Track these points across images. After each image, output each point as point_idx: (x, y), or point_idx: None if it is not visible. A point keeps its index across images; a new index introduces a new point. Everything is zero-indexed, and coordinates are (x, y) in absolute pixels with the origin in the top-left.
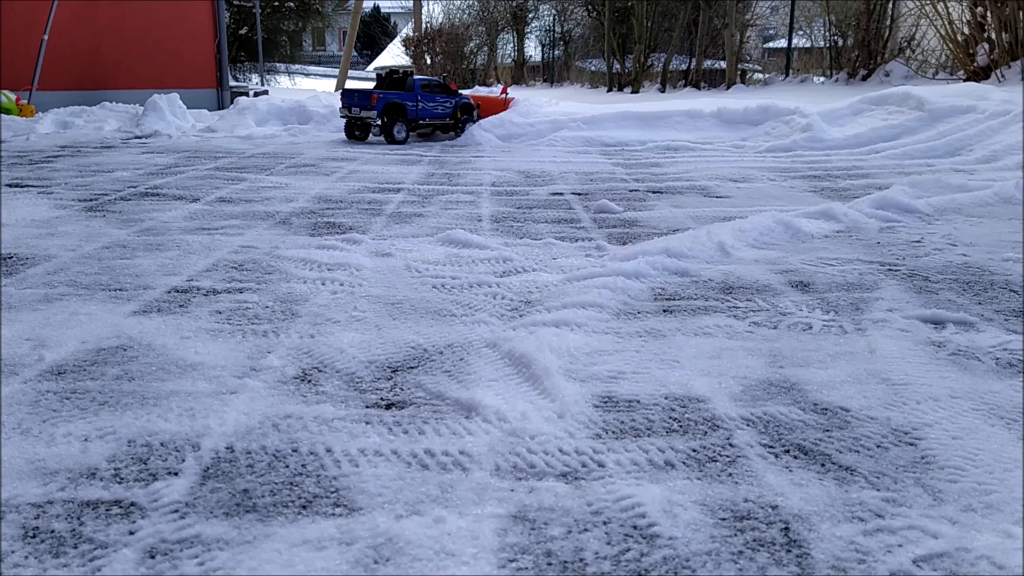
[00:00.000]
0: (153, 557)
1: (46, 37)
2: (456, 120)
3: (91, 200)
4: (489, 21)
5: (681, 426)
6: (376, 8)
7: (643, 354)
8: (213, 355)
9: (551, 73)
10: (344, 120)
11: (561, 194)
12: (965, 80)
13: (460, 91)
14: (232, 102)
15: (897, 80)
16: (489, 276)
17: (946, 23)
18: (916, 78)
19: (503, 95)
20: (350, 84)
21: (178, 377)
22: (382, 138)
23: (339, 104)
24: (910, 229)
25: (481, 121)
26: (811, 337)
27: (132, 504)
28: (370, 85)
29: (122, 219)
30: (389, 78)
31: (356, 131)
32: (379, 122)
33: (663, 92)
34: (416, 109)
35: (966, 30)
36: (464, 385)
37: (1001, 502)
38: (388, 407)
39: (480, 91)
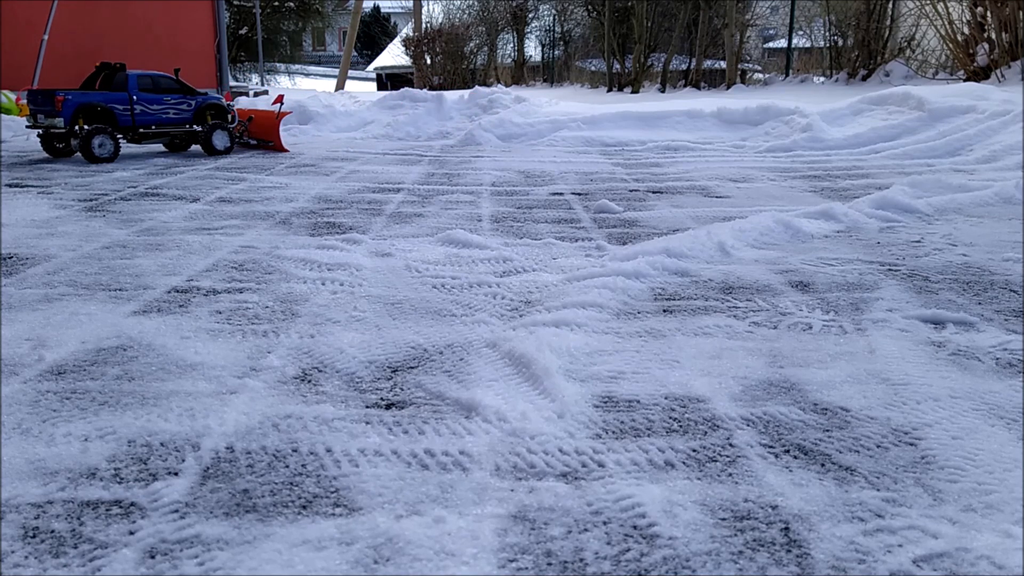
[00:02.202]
0: (153, 557)
1: (46, 37)
2: (204, 127)
3: (91, 200)
4: (489, 21)
5: (681, 426)
6: (376, 8)
7: (643, 354)
8: (213, 355)
9: (551, 73)
10: (32, 130)
11: (561, 194)
12: (965, 80)
13: (206, 92)
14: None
15: (897, 80)
16: (489, 276)
17: (946, 23)
18: (916, 78)
19: (276, 106)
20: (350, 84)
21: (178, 377)
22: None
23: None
24: (910, 229)
25: (481, 121)
26: (811, 337)
27: (132, 504)
28: (372, 85)
29: (122, 219)
30: (99, 72)
31: (57, 143)
32: (68, 132)
33: (663, 92)
34: (131, 113)
35: (966, 30)
36: (464, 385)
37: (1001, 502)
38: (388, 407)
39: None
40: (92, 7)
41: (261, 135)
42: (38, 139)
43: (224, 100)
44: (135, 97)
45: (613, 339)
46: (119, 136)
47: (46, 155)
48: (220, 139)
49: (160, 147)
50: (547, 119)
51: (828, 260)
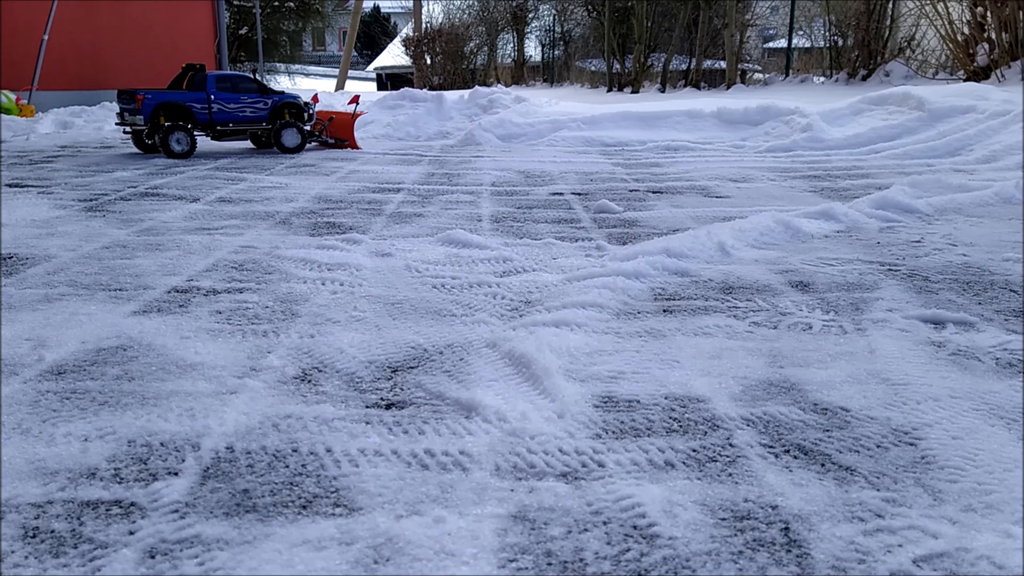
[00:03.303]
0: (153, 557)
1: (46, 37)
2: (276, 125)
3: (91, 200)
4: (489, 21)
5: (681, 426)
6: (376, 8)
7: (643, 354)
8: (213, 355)
9: (551, 73)
10: (119, 127)
11: (561, 194)
12: (965, 80)
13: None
14: None
15: (897, 80)
16: (489, 276)
17: (946, 23)
18: (916, 78)
19: (352, 107)
20: (350, 84)
21: (178, 377)
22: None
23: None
24: (910, 229)
25: (481, 120)
26: (811, 337)
27: (132, 504)
28: (372, 85)
29: (122, 219)
30: (185, 73)
31: (146, 139)
32: (147, 129)
33: (663, 92)
34: (209, 112)
35: (966, 30)
36: (464, 385)
37: (1001, 502)
38: (388, 407)
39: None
40: (92, 7)
41: (339, 135)
42: (129, 136)
43: (301, 100)
44: (213, 96)
45: (613, 339)
46: (197, 133)
47: (136, 150)
48: (290, 137)
49: (240, 144)
50: (547, 119)
51: (828, 260)
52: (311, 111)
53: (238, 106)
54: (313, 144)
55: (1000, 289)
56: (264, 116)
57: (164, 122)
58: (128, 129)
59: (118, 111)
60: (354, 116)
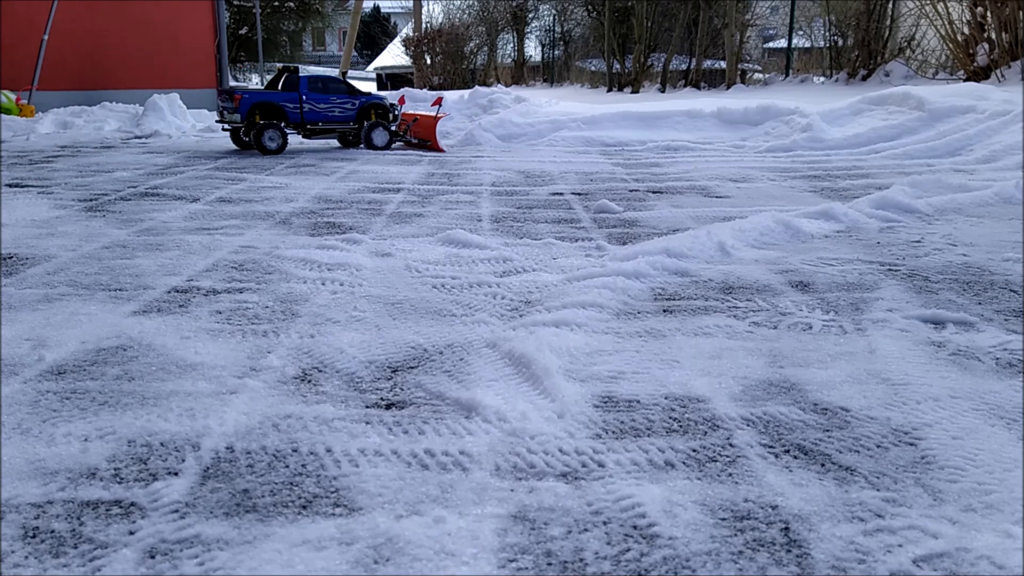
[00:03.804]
0: (153, 557)
1: (46, 37)
2: (365, 125)
3: (91, 200)
4: (489, 21)
5: (681, 426)
6: (376, 8)
7: (643, 354)
8: (213, 355)
9: (551, 73)
10: (220, 124)
11: (561, 194)
12: (965, 80)
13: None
14: None
15: (897, 80)
16: (489, 276)
17: (946, 23)
18: (916, 78)
19: (435, 108)
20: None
21: (178, 377)
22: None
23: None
24: (910, 229)
25: (481, 120)
26: (811, 337)
27: (132, 504)
28: (372, 86)
29: (122, 219)
30: (281, 75)
31: (243, 136)
32: (244, 126)
33: (663, 92)
34: (301, 111)
35: (966, 30)
36: (464, 385)
37: (1001, 502)
38: (388, 407)
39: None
40: (92, 7)
41: (422, 136)
42: (227, 133)
43: (387, 101)
44: (304, 96)
45: (613, 339)
46: (289, 131)
47: (234, 147)
48: (379, 137)
49: (333, 142)
50: (547, 119)
51: (828, 260)
52: (396, 111)
53: (328, 106)
54: (398, 143)
55: (1000, 289)
56: (352, 116)
57: (259, 120)
58: (226, 127)
59: (218, 108)
60: (436, 118)
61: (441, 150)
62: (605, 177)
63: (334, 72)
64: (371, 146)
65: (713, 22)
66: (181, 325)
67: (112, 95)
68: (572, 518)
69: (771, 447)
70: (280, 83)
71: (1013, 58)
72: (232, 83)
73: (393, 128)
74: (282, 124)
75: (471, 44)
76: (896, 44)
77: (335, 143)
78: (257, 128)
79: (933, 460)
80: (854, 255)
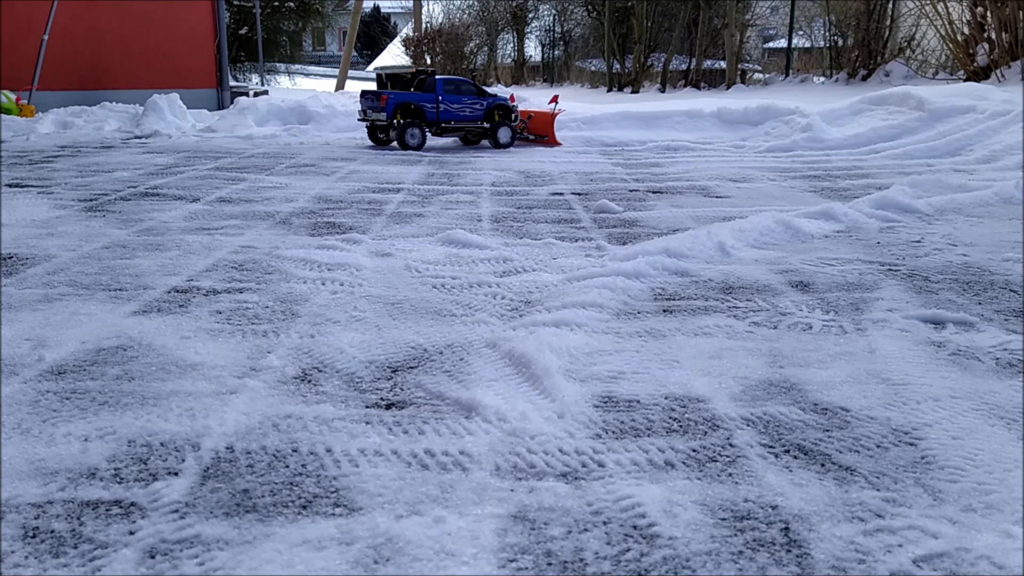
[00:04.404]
0: (153, 557)
1: (46, 37)
2: (492, 124)
3: (91, 200)
4: (489, 21)
5: (681, 426)
6: (376, 8)
7: (643, 354)
8: (213, 355)
9: (551, 73)
10: (362, 123)
11: (561, 194)
12: (965, 80)
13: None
14: (232, 102)
15: (897, 80)
16: (489, 276)
17: (946, 23)
18: (916, 78)
19: (552, 106)
20: (350, 84)
21: (178, 377)
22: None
23: (358, 106)
24: (910, 229)
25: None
26: (811, 337)
27: (132, 504)
28: (371, 85)
29: (122, 219)
30: (415, 78)
31: (380, 134)
32: (389, 125)
33: (663, 92)
34: (437, 111)
35: (966, 30)
36: (464, 385)
37: (1001, 502)
38: (388, 407)
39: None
40: (92, 7)
41: (539, 131)
42: (365, 130)
43: (509, 102)
44: (440, 97)
45: (613, 339)
46: (426, 130)
47: (370, 143)
48: (504, 134)
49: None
50: None
51: (828, 260)
52: (516, 111)
53: (460, 106)
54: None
55: (1000, 289)
56: (480, 116)
57: (400, 119)
58: (367, 124)
59: (360, 108)
60: (554, 114)
61: (558, 143)
62: (605, 177)
63: (464, 78)
64: (497, 144)
65: (713, 22)
66: (181, 325)
67: (112, 95)
68: (572, 518)
69: (771, 447)
70: (413, 85)
71: (1013, 58)
72: (232, 83)
73: (513, 125)
74: (420, 123)
75: (471, 44)
76: (896, 44)
77: (442, 141)
78: (400, 126)
79: (933, 460)
80: (854, 255)
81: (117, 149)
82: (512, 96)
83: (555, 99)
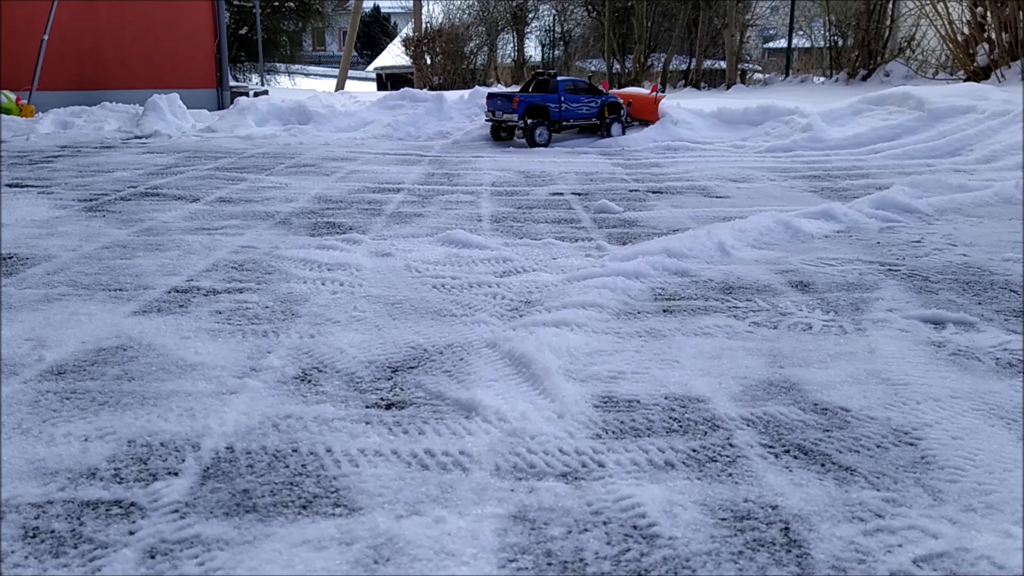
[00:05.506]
0: (153, 557)
1: (46, 37)
2: (602, 120)
3: (91, 200)
4: (489, 21)
5: (681, 426)
6: (376, 8)
7: (643, 354)
8: (213, 355)
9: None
10: (490, 123)
11: (561, 194)
12: (965, 80)
13: (608, 90)
14: (232, 102)
15: (897, 80)
16: (489, 276)
17: (946, 23)
18: (916, 78)
19: (653, 94)
20: (350, 84)
21: (178, 377)
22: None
23: (485, 107)
24: (910, 229)
25: (482, 120)
26: (811, 337)
27: (132, 504)
28: (372, 85)
29: (122, 219)
30: (534, 80)
31: (502, 133)
32: (522, 125)
33: (663, 92)
34: (559, 111)
35: (966, 30)
36: (464, 385)
37: (1001, 502)
38: (388, 407)
39: (631, 89)
40: (92, 7)
41: (640, 115)
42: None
43: (618, 99)
44: (562, 98)
45: (613, 339)
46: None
47: (492, 140)
48: (616, 130)
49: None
50: None
51: (828, 260)
52: (624, 108)
53: (578, 105)
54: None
55: (1000, 289)
56: (595, 113)
57: (528, 119)
58: (492, 122)
59: (487, 109)
60: (657, 98)
61: (658, 118)
62: (605, 177)
63: (582, 79)
64: (610, 138)
65: (713, 22)
66: (181, 325)
67: (112, 95)
68: (572, 518)
69: (771, 447)
70: (531, 86)
71: (1013, 58)
72: (232, 83)
73: (623, 120)
74: (546, 122)
75: (471, 44)
76: (896, 44)
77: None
78: (529, 126)
79: (933, 460)
80: (854, 255)
81: (117, 149)
82: (655, 86)
83: (655, 88)
